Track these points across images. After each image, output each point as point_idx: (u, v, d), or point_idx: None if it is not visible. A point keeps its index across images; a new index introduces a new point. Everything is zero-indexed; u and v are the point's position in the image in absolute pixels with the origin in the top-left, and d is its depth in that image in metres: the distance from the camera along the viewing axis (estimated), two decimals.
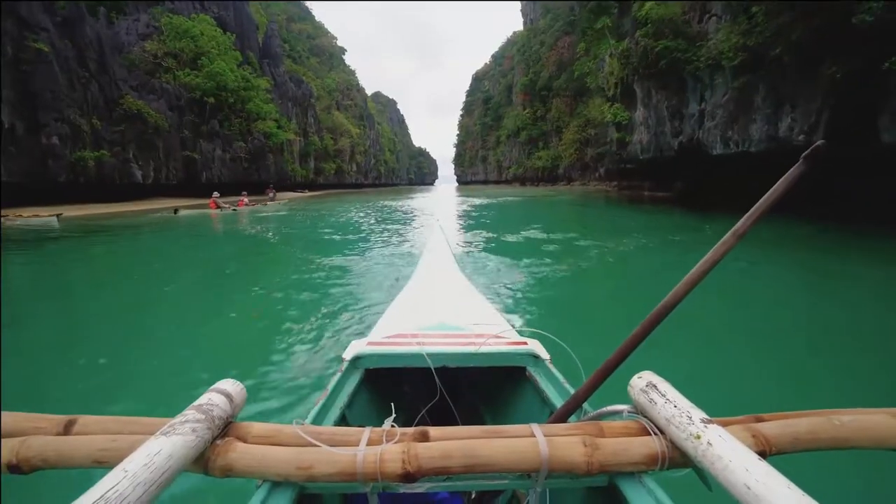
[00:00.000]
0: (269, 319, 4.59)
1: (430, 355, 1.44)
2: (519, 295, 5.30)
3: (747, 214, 0.89)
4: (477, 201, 26.78)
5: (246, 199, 22.07)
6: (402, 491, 0.84)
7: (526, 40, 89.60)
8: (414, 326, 1.80)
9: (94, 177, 24.53)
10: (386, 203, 24.28)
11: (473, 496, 1.42)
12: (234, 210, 19.65)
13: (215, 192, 19.64)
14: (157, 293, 5.90)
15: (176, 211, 18.32)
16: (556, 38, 73.08)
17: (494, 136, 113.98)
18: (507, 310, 4.64)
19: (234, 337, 4.24)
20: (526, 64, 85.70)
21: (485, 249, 8.79)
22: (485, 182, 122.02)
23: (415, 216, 16.75)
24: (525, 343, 1.58)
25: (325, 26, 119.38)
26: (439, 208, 20.62)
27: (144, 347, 3.93)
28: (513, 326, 1.92)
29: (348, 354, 1.51)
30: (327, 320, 4.40)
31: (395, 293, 2.93)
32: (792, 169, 0.85)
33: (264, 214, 17.98)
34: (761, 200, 0.87)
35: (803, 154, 0.82)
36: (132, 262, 8.44)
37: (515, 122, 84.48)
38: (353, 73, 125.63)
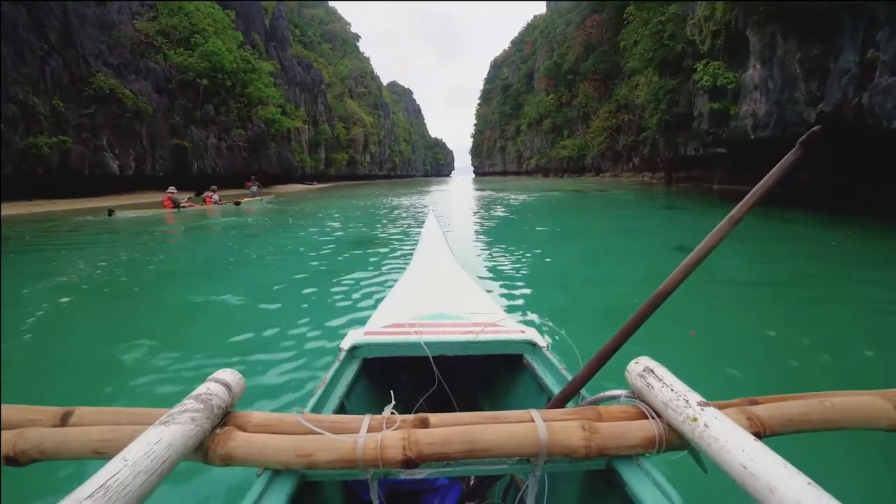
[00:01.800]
0: None
1: (428, 344, 1.44)
2: None
3: (743, 200, 0.89)
4: (509, 198, 20.45)
5: (215, 196, 17.09)
6: (402, 477, 0.86)
7: (549, 21, 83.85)
8: (411, 316, 1.79)
9: (58, 167, 21.01)
10: (395, 201, 19.76)
11: (472, 481, 1.40)
12: (196, 207, 15.66)
13: (171, 188, 15.10)
14: None
15: (111, 212, 13.86)
16: (583, 18, 67.32)
17: (514, 125, 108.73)
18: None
19: None
20: (549, 47, 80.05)
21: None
22: (503, 173, 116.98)
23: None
24: (522, 331, 1.58)
25: (339, 12, 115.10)
26: (464, 210, 15.59)
27: None
28: (509, 314, 1.99)
29: (346, 344, 1.50)
30: None
31: (392, 283, 3.31)
32: (788, 154, 0.85)
33: (224, 220, 13.22)
34: (757, 186, 0.88)
35: (800, 139, 0.82)
36: None
37: (538, 109, 79.07)
38: (367, 60, 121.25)
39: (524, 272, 5.88)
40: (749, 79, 14.57)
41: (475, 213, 14.10)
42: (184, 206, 15.13)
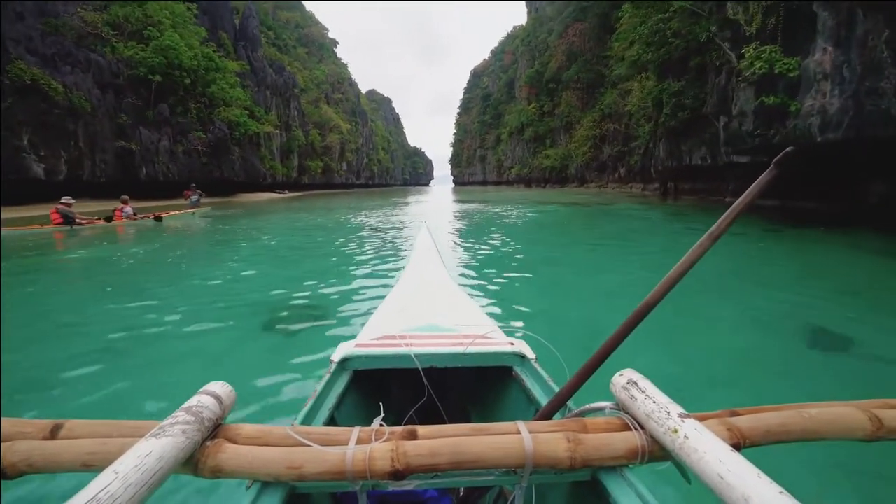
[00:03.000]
0: None
1: (418, 356, 1.44)
2: None
3: (723, 217, 0.92)
4: (502, 215, 16.59)
5: (128, 208, 13.18)
6: (391, 489, 0.86)
7: (531, 29, 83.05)
8: (402, 328, 1.79)
9: None
10: (364, 219, 16.24)
11: (461, 493, 1.40)
12: (99, 223, 11.91)
13: (66, 197, 11.61)
14: None
15: None
16: (565, 26, 66.53)
17: (494, 134, 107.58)
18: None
19: None
20: (531, 55, 79.12)
21: None
22: (483, 183, 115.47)
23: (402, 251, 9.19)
24: (512, 343, 1.58)
25: (316, 17, 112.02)
26: (449, 236, 10.57)
27: None
28: (499, 327, 1.95)
29: (336, 356, 1.49)
30: None
31: (383, 295, 3.03)
32: (764, 173, 0.90)
33: (135, 245, 9.42)
34: (736, 203, 0.92)
35: (774, 159, 0.87)
36: None
37: (519, 117, 77.69)
38: (344, 66, 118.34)
39: None
40: (815, 66, 11.59)
41: (464, 241, 9.53)
42: (80, 223, 11.58)
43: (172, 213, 15.05)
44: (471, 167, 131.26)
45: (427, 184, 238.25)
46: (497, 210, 19.67)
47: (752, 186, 0.92)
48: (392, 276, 5.90)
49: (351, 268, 6.73)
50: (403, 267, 3.38)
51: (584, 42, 65.34)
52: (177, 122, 32.16)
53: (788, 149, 0.88)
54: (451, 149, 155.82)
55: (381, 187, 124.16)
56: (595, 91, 60.22)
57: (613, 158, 49.26)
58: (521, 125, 76.88)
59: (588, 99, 61.79)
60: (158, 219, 13.24)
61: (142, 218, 12.99)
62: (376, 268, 6.61)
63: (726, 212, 0.92)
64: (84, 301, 5.07)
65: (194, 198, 18.04)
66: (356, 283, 5.62)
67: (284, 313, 4.51)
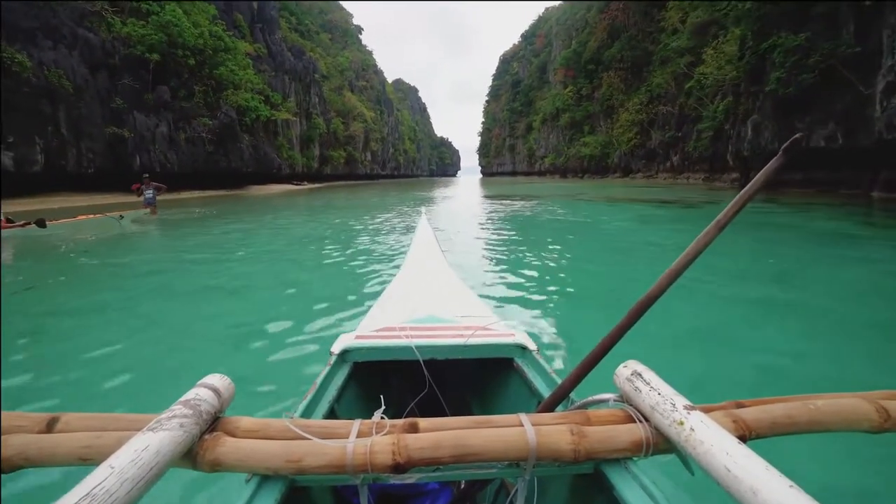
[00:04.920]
0: None
1: (419, 348, 1.44)
2: None
3: (729, 205, 0.91)
4: (566, 219, 12.02)
5: (149, 192, 11.80)
6: (392, 482, 0.85)
7: (567, 8, 76.86)
8: (402, 319, 1.77)
9: None
10: (377, 223, 11.97)
11: (463, 486, 1.39)
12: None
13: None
14: None
15: None
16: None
17: (525, 122, 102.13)
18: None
19: None
20: (567, 35, 73.20)
21: None
22: (513, 173, 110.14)
23: None
24: (513, 335, 1.57)
25: (341, 2, 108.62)
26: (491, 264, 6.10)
27: None
28: (500, 318, 1.91)
29: (336, 348, 1.48)
30: None
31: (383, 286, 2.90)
32: (772, 161, 0.90)
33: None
34: (743, 192, 0.91)
35: (783, 147, 0.86)
36: None
37: (553, 103, 72.16)
38: (369, 53, 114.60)
39: None
40: None
41: (531, 283, 5.09)
42: None
43: (92, 216, 10.74)
44: (500, 157, 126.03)
45: (454, 174, 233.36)
46: (554, 210, 14.58)
47: (759, 174, 0.90)
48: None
49: None
50: (403, 258, 3.33)
51: (628, 17, 59.17)
52: (179, 107, 29.08)
53: (797, 135, 0.86)
54: (479, 138, 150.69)
55: (406, 178, 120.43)
56: (641, 71, 54.20)
57: (665, 145, 43.68)
58: (555, 111, 71.39)
59: (632, 80, 55.83)
60: (41, 225, 9.01)
61: (14, 227, 8.77)
62: None
63: (733, 200, 0.91)
64: None
65: (149, 193, 13.66)
66: None
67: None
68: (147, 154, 25.60)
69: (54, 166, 21.20)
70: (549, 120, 75.86)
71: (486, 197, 25.01)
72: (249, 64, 38.44)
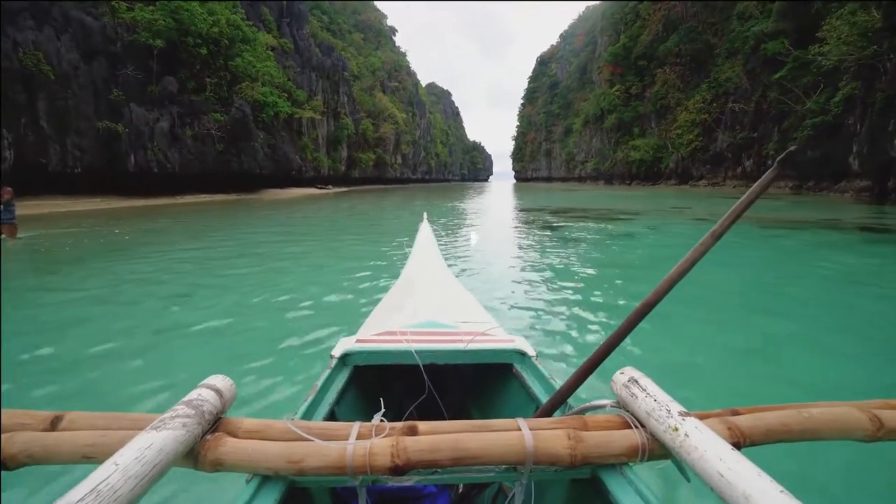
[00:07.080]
0: None
1: (419, 352, 1.44)
2: None
3: (725, 216, 0.93)
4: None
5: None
6: (390, 484, 0.87)
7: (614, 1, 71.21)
8: (402, 324, 1.78)
9: None
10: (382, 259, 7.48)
11: (461, 489, 1.41)
12: None
13: None
14: None
15: None
16: None
17: (563, 125, 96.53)
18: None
19: None
20: (614, 29, 67.57)
21: None
22: (548, 179, 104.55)
23: None
24: (512, 340, 1.57)
25: (376, 3, 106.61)
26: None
27: None
28: (499, 324, 1.90)
29: (337, 352, 1.49)
30: None
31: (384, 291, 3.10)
32: (767, 173, 0.91)
33: None
34: (738, 202, 0.92)
35: (777, 158, 0.88)
36: None
37: (598, 103, 66.61)
38: (402, 54, 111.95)
39: None
40: None
41: None
42: None
43: None
44: (535, 162, 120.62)
45: (486, 179, 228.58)
46: (680, 240, 9.56)
47: (754, 186, 0.91)
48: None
49: None
50: (404, 263, 3.22)
51: (686, 7, 53.30)
52: (188, 101, 26.15)
53: (791, 147, 0.86)
54: (513, 143, 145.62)
55: (438, 182, 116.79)
56: (702, 66, 48.24)
57: (735, 147, 37.78)
58: (600, 112, 65.84)
59: (691, 76, 49.86)
60: None
61: None
62: None
63: (728, 211, 0.93)
64: None
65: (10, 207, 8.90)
66: None
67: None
68: (144, 153, 22.62)
69: (31, 164, 18.29)
70: (592, 122, 70.32)
71: (535, 211, 20.21)
72: (270, 56, 35.48)
